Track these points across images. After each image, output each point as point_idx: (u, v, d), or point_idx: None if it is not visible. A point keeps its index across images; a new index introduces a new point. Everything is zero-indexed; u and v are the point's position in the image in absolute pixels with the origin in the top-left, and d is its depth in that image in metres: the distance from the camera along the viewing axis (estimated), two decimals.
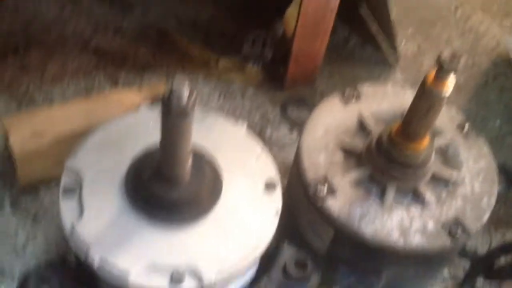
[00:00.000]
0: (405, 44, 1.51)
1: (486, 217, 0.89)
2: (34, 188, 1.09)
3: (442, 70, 0.77)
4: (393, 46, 1.43)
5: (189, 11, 1.44)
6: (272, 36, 1.39)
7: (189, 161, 0.78)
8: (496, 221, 1.15)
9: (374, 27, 1.51)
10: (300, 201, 0.93)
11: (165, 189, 0.79)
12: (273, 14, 1.41)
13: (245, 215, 0.83)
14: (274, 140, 1.26)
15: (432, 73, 0.79)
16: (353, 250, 0.89)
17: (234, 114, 1.30)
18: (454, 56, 0.77)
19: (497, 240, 1.15)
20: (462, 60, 0.77)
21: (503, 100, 1.42)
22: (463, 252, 1.00)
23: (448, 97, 0.81)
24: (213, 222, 0.81)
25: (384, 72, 1.43)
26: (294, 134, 1.26)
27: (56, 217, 1.06)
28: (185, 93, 0.68)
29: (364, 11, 1.54)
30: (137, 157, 0.84)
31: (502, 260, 0.99)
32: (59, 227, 1.05)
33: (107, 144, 0.87)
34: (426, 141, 0.88)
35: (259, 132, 1.27)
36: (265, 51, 1.37)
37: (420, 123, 0.84)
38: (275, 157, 1.12)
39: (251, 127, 1.25)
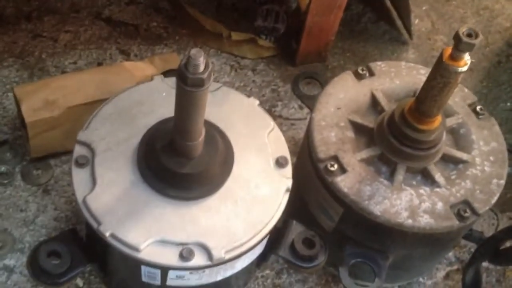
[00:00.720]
0: (419, 22, 1.49)
1: (495, 199, 0.89)
2: (45, 159, 1.09)
3: (459, 46, 0.76)
4: (407, 24, 1.41)
5: None
6: (286, 9, 1.38)
7: (203, 134, 0.78)
8: (503, 204, 1.15)
9: (388, 3, 1.50)
10: (309, 178, 0.94)
11: (177, 162, 0.79)
12: None
13: (256, 191, 0.83)
14: (284, 116, 1.26)
15: (449, 49, 0.79)
16: (361, 229, 0.90)
17: (245, 89, 1.29)
18: (472, 32, 0.76)
19: (503, 223, 1.15)
20: (480, 37, 0.76)
21: None
22: (469, 235, 1.01)
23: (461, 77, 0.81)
24: (223, 197, 0.81)
25: (397, 49, 1.42)
26: (305, 111, 1.26)
27: (67, 188, 1.08)
28: (202, 63, 0.67)
29: None
30: (149, 130, 0.84)
31: (508, 244, 0.99)
32: (70, 199, 1.07)
33: (119, 115, 0.87)
34: (438, 120, 0.88)
35: (270, 108, 1.27)
36: (278, 25, 1.36)
37: (434, 100, 0.84)
38: (285, 134, 1.13)
39: (261, 102, 1.26)
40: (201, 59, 0.67)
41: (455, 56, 0.78)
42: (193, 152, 0.79)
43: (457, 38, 0.76)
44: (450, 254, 1.12)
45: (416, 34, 1.45)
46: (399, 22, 1.46)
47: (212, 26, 1.33)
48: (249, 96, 0.93)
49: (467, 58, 0.78)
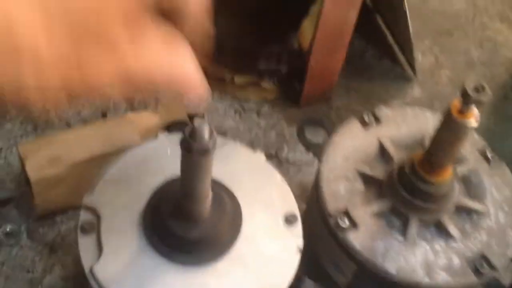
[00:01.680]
0: (422, 57, 1.48)
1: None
2: (50, 216, 1.08)
3: (467, 102, 0.75)
4: (410, 60, 1.40)
5: None
6: (287, 50, 1.37)
7: (209, 196, 0.77)
8: None
9: (390, 39, 1.49)
10: (320, 232, 0.92)
11: (185, 227, 0.77)
12: (288, 27, 1.39)
13: (266, 252, 0.81)
14: (290, 161, 1.24)
15: (456, 103, 0.77)
16: (376, 286, 0.87)
17: (250, 132, 1.28)
18: (479, 86, 0.75)
19: None
20: (488, 92, 0.74)
21: None
22: (487, 285, 0.98)
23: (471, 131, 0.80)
24: (233, 260, 0.79)
25: (402, 86, 1.41)
26: (311, 154, 1.25)
27: (73, 246, 1.06)
28: (207, 133, 0.67)
29: (381, 23, 1.52)
30: (155, 192, 0.83)
31: None
32: (77, 258, 1.05)
33: (124, 178, 0.85)
34: (449, 171, 0.86)
35: (275, 152, 1.25)
36: (280, 66, 1.35)
37: (445, 154, 0.82)
38: (292, 178, 1.11)
39: (267, 146, 1.25)
40: (205, 129, 0.66)
41: (464, 112, 0.76)
42: (201, 215, 0.78)
43: (464, 94, 0.74)
44: None
45: (420, 70, 1.44)
46: (402, 58, 1.45)
47: (214, 70, 1.32)
48: (255, 150, 0.92)
49: (476, 112, 0.77)
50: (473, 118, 0.77)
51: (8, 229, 1.06)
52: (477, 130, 1.09)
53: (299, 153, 1.26)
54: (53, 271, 1.03)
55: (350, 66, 1.41)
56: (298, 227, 0.84)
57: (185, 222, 0.78)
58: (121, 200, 0.83)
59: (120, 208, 0.82)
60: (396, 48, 1.47)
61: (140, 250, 0.79)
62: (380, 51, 1.47)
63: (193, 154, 0.67)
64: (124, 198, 0.83)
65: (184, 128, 0.68)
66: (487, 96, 0.74)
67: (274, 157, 1.24)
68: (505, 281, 0.96)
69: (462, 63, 1.48)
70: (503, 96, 1.43)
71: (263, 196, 0.86)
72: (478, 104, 0.75)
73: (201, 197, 0.76)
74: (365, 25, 1.46)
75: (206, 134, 0.67)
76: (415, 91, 1.40)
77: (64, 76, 0.48)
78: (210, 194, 0.77)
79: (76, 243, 1.04)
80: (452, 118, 0.77)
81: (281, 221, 0.84)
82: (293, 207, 0.86)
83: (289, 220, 0.84)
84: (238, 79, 1.31)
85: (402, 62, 1.45)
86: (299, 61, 1.32)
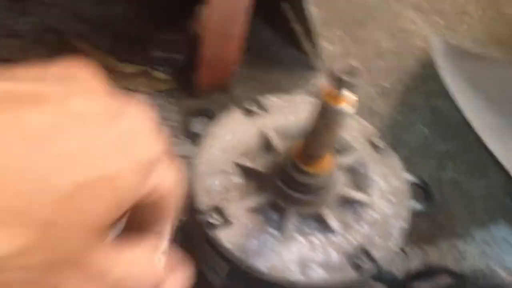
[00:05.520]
0: (331, 46, 1.42)
1: (396, 244, 0.81)
2: None
3: (338, 86, 0.68)
4: (314, 47, 1.34)
5: (95, 10, 1.32)
6: (183, 38, 1.29)
7: None
8: (417, 238, 1.08)
9: (297, 28, 1.43)
10: (194, 231, 0.84)
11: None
12: (181, 13, 1.30)
13: None
14: (182, 156, 1.16)
15: (327, 88, 0.70)
16: (251, 286, 0.80)
17: None
18: (351, 69, 0.68)
19: (418, 258, 1.08)
20: (361, 74, 0.68)
21: (430, 105, 1.35)
22: (378, 276, 0.92)
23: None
24: None
25: (306, 75, 1.35)
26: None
27: None
28: None
29: (287, 11, 1.45)
30: None
31: (423, 286, 0.91)
32: None
33: None
34: (329, 161, 0.79)
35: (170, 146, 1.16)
36: (177, 55, 1.26)
37: (320, 143, 0.75)
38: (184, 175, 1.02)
39: (160, 139, 1.15)
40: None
41: (335, 96, 0.69)
42: None
43: (333, 77, 0.67)
44: None
45: (330, 59, 1.38)
46: (308, 47, 1.39)
47: (101, 59, 1.23)
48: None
49: (350, 97, 0.70)
50: (347, 103, 0.70)
51: None
52: (381, 118, 1.03)
53: (191, 148, 1.17)
54: None
55: (254, 56, 1.34)
56: None
57: None
58: None
59: None
60: (302, 37, 1.40)
61: None
62: (287, 40, 1.41)
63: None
64: None
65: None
66: (358, 78, 0.67)
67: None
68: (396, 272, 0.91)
69: (371, 53, 1.43)
70: (412, 86, 1.38)
71: None
72: (349, 86, 0.68)
73: None
74: (272, 14, 1.40)
75: None
76: (320, 80, 1.34)
77: None
78: None
79: None
80: (323, 102, 0.70)
81: None
82: None
83: None
84: (128, 68, 1.22)
85: (308, 50, 1.38)
86: (194, 50, 1.24)
